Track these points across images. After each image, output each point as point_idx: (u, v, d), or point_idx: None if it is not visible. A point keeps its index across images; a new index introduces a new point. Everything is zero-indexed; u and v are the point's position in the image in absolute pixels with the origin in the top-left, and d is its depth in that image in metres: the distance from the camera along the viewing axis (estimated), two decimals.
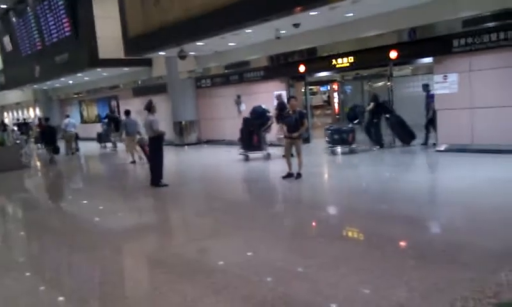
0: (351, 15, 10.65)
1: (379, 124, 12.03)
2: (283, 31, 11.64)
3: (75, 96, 27.08)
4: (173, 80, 17.58)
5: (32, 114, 31.27)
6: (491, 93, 9.78)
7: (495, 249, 4.51)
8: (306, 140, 13.45)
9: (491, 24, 9.36)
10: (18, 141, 15.62)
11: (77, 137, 18.46)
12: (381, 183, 8.41)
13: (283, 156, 9.41)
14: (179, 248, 5.58)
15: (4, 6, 22.24)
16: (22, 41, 22.36)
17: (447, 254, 4.49)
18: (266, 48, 14.01)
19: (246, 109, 14.83)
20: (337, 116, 16.25)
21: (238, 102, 16.18)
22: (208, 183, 10.21)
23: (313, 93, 20.57)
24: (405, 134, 11.88)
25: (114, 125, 18.19)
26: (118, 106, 23.22)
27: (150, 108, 9.15)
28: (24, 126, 25.50)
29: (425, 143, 11.54)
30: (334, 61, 12.76)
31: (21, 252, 6.10)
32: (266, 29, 11.03)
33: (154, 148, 9.31)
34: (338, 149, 11.83)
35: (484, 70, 9.84)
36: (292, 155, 9.08)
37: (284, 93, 14.07)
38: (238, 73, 16.02)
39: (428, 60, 11.21)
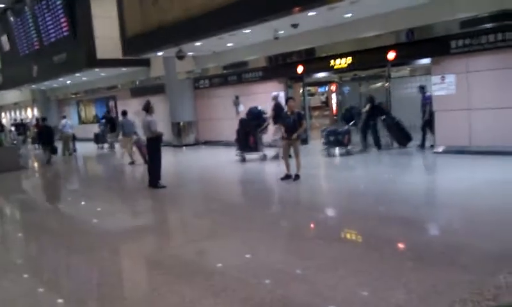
0: (350, 15, 10.67)
1: (377, 126, 12.03)
2: (282, 32, 11.63)
3: (73, 96, 27.03)
4: (171, 81, 17.54)
5: (30, 114, 31.19)
6: (489, 94, 9.80)
7: (494, 251, 4.51)
8: (305, 141, 13.45)
9: (488, 25, 9.39)
10: (15, 142, 15.57)
11: (74, 138, 18.43)
12: (379, 184, 8.40)
13: (281, 157, 9.40)
14: (177, 249, 5.58)
15: (2, 6, 22.16)
16: (20, 40, 22.29)
17: (446, 256, 4.49)
18: (264, 48, 14.01)
19: (244, 110, 14.82)
20: (335, 117, 16.23)
21: (236, 103, 16.13)
22: (206, 185, 10.20)
23: (311, 94, 20.55)
24: (401, 136, 11.88)
25: (110, 125, 18.18)
26: (115, 106, 23.20)
27: (148, 109, 9.13)
28: (21, 126, 25.42)
29: (422, 145, 11.54)
30: (332, 62, 12.77)
31: (19, 254, 6.07)
32: (264, 29, 11.02)
33: (152, 149, 9.28)
34: (336, 150, 11.84)
35: (482, 71, 9.87)
36: (290, 156, 9.08)
37: (281, 94, 14.08)
38: (236, 74, 16.01)
39: (426, 61, 11.23)
